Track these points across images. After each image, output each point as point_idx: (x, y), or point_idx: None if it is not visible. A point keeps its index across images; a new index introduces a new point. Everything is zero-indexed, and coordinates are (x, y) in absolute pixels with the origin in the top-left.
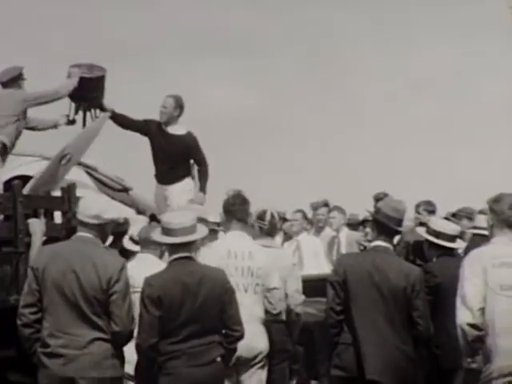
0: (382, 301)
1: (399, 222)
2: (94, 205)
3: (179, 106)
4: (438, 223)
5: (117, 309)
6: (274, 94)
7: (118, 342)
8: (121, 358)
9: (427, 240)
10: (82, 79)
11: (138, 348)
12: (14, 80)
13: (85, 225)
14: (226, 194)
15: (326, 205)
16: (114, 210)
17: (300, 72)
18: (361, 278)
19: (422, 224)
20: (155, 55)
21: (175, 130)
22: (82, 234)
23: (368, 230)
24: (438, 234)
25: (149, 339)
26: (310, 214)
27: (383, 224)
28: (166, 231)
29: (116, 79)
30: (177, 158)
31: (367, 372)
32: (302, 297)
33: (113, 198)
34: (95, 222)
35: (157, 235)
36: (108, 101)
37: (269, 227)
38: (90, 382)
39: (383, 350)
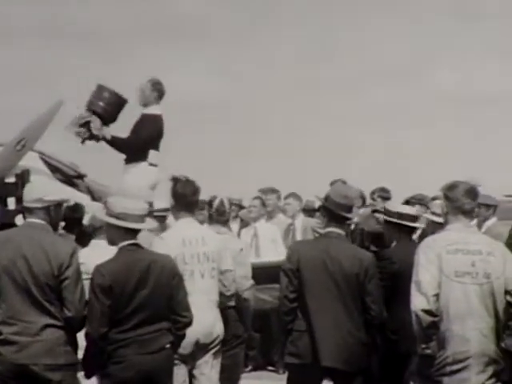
0: (335, 287)
1: (348, 208)
2: (36, 189)
3: (155, 89)
4: (399, 206)
5: (69, 294)
6: (236, 81)
7: (71, 327)
8: (74, 345)
9: (388, 223)
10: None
11: (88, 337)
12: None
13: (30, 210)
14: (172, 179)
15: (273, 191)
16: (57, 193)
17: (261, 58)
18: (314, 265)
19: (376, 211)
20: (120, 40)
21: (150, 110)
22: (30, 220)
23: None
24: (400, 216)
25: (99, 328)
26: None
27: (332, 211)
28: (119, 215)
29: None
30: (146, 136)
31: (322, 358)
32: (250, 282)
33: (67, 184)
34: (38, 205)
35: (110, 218)
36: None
37: (217, 214)
38: (43, 369)
39: (337, 337)
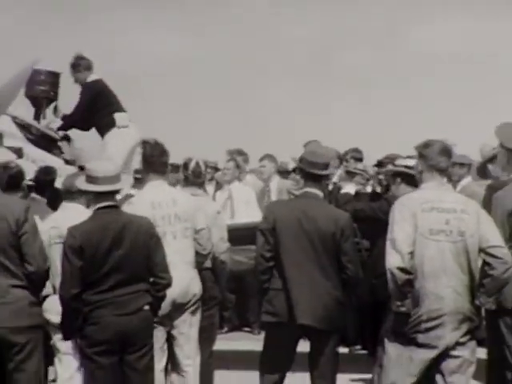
0: (311, 247)
1: (323, 166)
2: None
3: (78, 67)
4: (406, 160)
5: (28, 248)
6: (207, 41)
7: (34, 283)
8: (38, 306)
9: (400, 175)
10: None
11: (61, 299)
12: None
13: None
14: (141, 142)
15: (240, 153)
16: (2, 154)
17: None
18: (290, 225)
19: (348, 172)
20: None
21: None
22: None
23: (297, 177)
24: (407, 168)
25: (70, 290)
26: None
27: (307, 170)
28: (91, 179)
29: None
30: (83, 105)
31: (298, 317)
32: (227, 244)
33: (40, 147)
34: None
35: (81, 183)
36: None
37: (193, 176)
38: (9, 332)
39: (313, 295)
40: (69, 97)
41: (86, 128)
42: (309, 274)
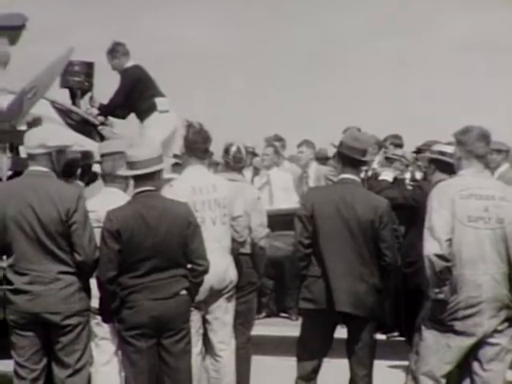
0: (349, 233)
1: (362, 152)
2: (36, 135)
3: (116, 54)
4: (443, 146)
5: (78, 238)
6: (247, 31)
7: (83, 272)
8: (87, 291)
9: (436, 161)
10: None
11: (98, 281)
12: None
13: (32, 157)
14: (185, 125)
15: (278, 139)
16: (59, 138)
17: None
18: (329, 211)
19: (387, 158)
20: None
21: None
22: (33, 168)
23: (335, 163)
24: (443, 154)
25: (106, 273)
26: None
27: (347, 156)
28: (131, 165)
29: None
30: (123, 90)
31: (335, 303)
32: (266, 230)
33: (79, 131)
34: (41, 151)
35: (122, 169)
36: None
37: (233, 161)
38: (58, 317)
39: (351, 282)
40: (103, 86)
41: (126, 113)
42: (347, 260)
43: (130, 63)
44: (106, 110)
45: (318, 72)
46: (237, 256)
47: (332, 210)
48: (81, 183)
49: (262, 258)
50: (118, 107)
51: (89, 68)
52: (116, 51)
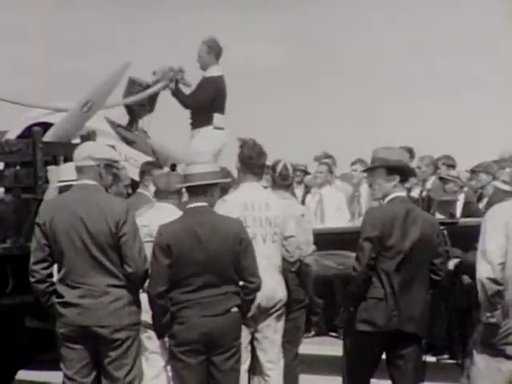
0: (414, 252)
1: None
2: (86, 148)
3: (212, 50)
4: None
5: (128, 250)
6: (302, 48)
7: (133, 284)
8: (137, 304)
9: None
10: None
11: (149, 296)
12: None
13: (80, 169)
14: (239, 141)
15: (328, 157)
16: (106, 150)
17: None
18: (396, 231)
19: (441, 179)
20: (177, 9)
21: (209, 72)
22: (82, 181)
23: None
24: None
25: (156, 287)
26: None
27: (398, 169)
28: (187, 177)
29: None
30: (203, 99)
31: (396, 324)
32: (312, 247)
33: (133, 147)
34: (89, 163)
35: (178, 183)
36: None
37: (280, 179)
38: (108, 330)
39: (411, 302)
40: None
41: (196, 123)
42: (409, 280)
43: (217, 70)
44: (181, 99)
45: (368, 90)
46: (284, 274)
47: (400, 229)
48: (148, 193)
49: (308, 275)
50: (188, 106)
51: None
52: (211, 48)
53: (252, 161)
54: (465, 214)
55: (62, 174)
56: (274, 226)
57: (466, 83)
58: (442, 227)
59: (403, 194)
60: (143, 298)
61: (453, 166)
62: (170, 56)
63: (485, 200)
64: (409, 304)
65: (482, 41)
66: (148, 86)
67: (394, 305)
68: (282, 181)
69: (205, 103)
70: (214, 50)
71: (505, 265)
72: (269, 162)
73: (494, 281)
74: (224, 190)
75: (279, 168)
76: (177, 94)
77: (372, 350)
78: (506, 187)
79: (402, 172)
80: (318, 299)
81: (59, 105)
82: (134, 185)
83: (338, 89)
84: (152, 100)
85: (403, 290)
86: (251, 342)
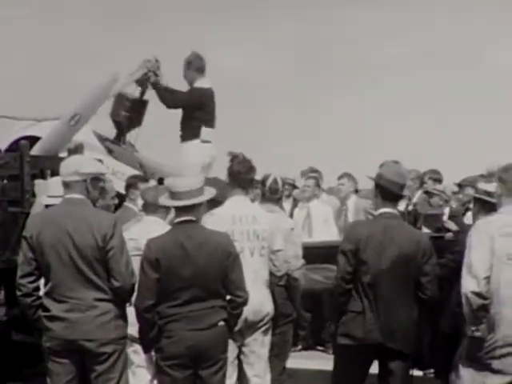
0: (393, 268)
1: (402, 186)
2: (72, 162)
3: (193, 66)
4: (488, 185)
5: (115, 264)
6: (295, 61)
7: (119, 298)
8: (124, 318)
9: (480, 200)
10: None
11: (136, 310)
12: None
13: (67, 185)
14: (229, 155)
15: (314, 171)
16: (92, 165)
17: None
18: (373, 247)
19: (427, 193)
20: (169, 18)
21: (198, 83)
22: (69, 196)
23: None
24: (488, 194)
25: (144, 301)
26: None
27: (386, 189)
28: (172, 195)
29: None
30: (182, 99)
31: (376, 338)
32: (301, 261)
33: (120, 160)
34: (76, 178)
35: (163, 199)
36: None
37: (270, 192)
38: (95, 344)
39: (393, 317)
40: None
41: (185, 136)
42: (389, 295)
43: (205, 83)
44: (162, 93)
45: (356, 104)
46: (272, 288)
47: (377, 245)
48: (134, 207)
49: (296, 289)
50: (169, 105)
51: (142, 105)
52: (190, 63)
53: (241, 175)
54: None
55: (49, 188)
56: (261, 240)
57: (453, 96)
58: None
59: (392, 210)
60: (130, 311)
61: (439, 180)
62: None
63: (469, 214)
64: (391, 319)
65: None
66: (136, 101)
67: (373, 318)
68: (272, 194)
69: (183, 103)
70: (195, 66)
71: (489, 279)
72: (258, 176)
73: (479, 295)
74: (218, 203)
75: (269, 182)
76: (156, 85)
77: (355, 363)
78: (486, 198)
79: (383, 190)
80: (305, 313)
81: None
82: (121, 198)
83: (327, 102)
84: (140, 114)
85: (383, 304)
86: (238, 357)
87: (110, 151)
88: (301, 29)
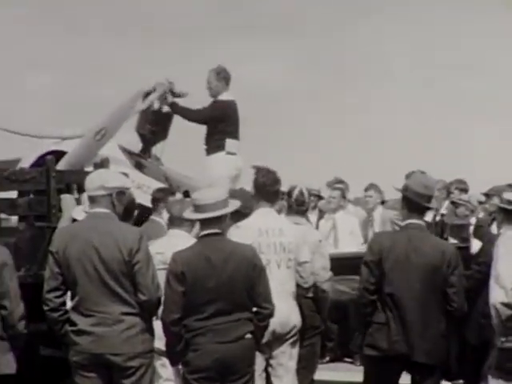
0: (417, 279)
1: (429, 198)
2: (97, 177)
3: (221, 77)
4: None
5: (141, 278)
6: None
7: (146, 311)
8: (150, 332)
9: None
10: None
11: (162, 323)
12: None
13: (93, 200)
14: (253, 168)
15: (340, 182)
16: (118, 179)
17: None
18: (397, 257)
19: (453, 203)
20: (194, 35)
21: (222, 96)
22: (95, 210)
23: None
24: None
25: (170, 315)
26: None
27: (413, 201)
28: (197, 208)
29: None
30: (206, 113)
31: (402, 351)
32: (329, 273)
33: (146, 174)
34: (101, 193)
35: (187, 212)
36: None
37: (296, 204)
38: (121, 358)
39: (419, 329)
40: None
41: (210, 149)
42: (414, 307)
43: (228, 95)
44: (182, 112)
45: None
46: (300, 300)
47: (400, 256)
48: (161, 220)
49: (324, 301)
50: (192, 120)
51: (167, 119)
52: (218, 73)
53: (266, 188)
54: (476, 238)
55: (74, 213)
56: (288, 252)
57: (480, 105)
58: None
59: (418, 221)
60: (157, 325)
61: (465, 190)
62: (183, 83)
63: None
64: (416, 331)
65: None
66: (161, 114)
67: (397, 329)
68: (298, 206)
69: (206, 116)
70: (223, 77)
71: None
72: (285, 188)
73: (508, 305)
74: (244, 215)
75: (295, 194)
76: (173, 106)
77: (383, 374)
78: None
79: (410, 201)
80: (332, 324)
81: (65, 132)
82: (147, 212)
83: (349, 112)
84: (165, 127)
85: (408, 316)
86: (266, 369)
87: (135, 165)
88: (324, 45)
